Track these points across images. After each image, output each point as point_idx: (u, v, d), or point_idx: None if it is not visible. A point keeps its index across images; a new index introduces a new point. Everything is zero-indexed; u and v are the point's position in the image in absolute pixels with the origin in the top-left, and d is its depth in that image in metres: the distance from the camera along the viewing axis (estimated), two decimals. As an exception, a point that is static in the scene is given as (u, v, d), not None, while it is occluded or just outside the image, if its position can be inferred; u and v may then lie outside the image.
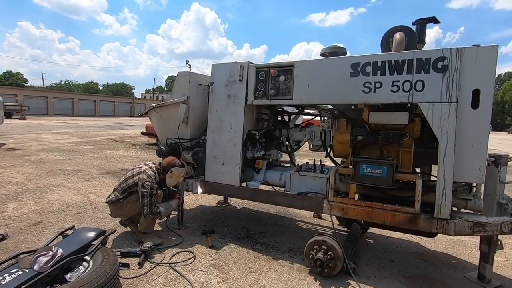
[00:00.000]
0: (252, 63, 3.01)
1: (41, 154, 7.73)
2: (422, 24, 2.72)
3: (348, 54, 2.84)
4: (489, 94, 2.12)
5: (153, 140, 10.96)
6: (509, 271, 2.79)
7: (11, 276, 1.83)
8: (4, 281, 1.79)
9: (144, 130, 11.07)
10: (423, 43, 2.72)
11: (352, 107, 2.76)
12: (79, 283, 1.85)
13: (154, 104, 3.56)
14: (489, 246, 2.45)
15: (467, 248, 3.24)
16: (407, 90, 2.33)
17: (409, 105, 2.51)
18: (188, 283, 2.32)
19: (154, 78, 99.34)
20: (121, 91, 77.27)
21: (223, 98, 3.12)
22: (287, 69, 2.82)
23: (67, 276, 2.05)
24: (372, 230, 3.49)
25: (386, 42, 2.73)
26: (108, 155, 8.27)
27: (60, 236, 2.50)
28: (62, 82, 72.34)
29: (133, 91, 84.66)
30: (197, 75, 3.36)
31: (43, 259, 1.96)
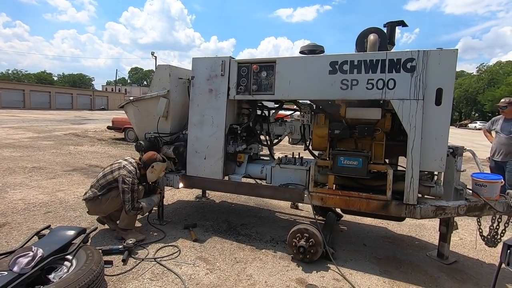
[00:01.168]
0: (233, 58, 3.04)
1: (-7, 150, 7.05)
2: (392, 26, 2.95)
3: (326, 53, 3.00)
4: (450, 92, 2.39)
5: (121, 135, 10.49)
6: (462, 249, 3.18)
7: (-11, 280, 1.73)
8: (-19, 285, 1.68)
9: (111, 125, 10.54)
10: (393, 44, 2.96)
11: (330, 102, 2.93)
12: (66, 282, 1.80)
13: (131, 98, 3.45)
14: (447, 227, 2.79)
15: (427, 231, 3.62)
16: (380, 88, 2.53)
17: (381, 102, 2.73)
18: (176, 276, 2.34)
19: (117, 70, 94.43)
20: (79, 82, 72.08)
21: (204, 92, 3.12)
22: (269, 65, 2.90)
23: (51, 276, 1.97)
24: (346, 218, 3.75)
25: (361, 42, 2.92)
26: (72, 150, 7.78)
27: (35, 236, 2.37)
28: (10, 71, 65.58)
29: (93, 82, 79.43)
30: (177, 68, 3.32)
31: (24, 260, 1.87)
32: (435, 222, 3.71)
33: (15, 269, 1.82)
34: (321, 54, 2.92)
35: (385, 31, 2.95)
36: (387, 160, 3.09)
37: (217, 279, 2.35)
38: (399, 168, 3.11)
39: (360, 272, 2.57)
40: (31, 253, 1.93)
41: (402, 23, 2.93)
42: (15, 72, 65.98)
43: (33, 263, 1.88)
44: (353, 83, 2.61)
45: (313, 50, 3.01)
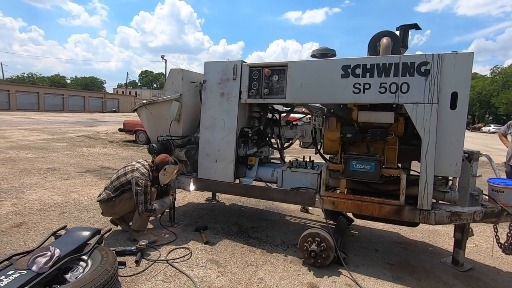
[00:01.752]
0: (245, 62, 3.07)
1: (10, 151, 7.27)
2: (405, 30, 2.92)
3: (337, 56, 3.00)
4: (465, 96, 2.35)
5: (131, 137, 10.66)
6: (477, 256, 3.10)
7: (9, 278, 1.79)
8: (2, 283, 1.74)
9: (122, 127, 10.72)
10: (406, 47, 2.93)
11: (342, 106, 2.92)
12: (82, 283, 1.84)
13: (144, 101, 3.51)
14: (462, 234, 2.73)
15: (441, 237, 3.54)
16: (393, 92, 2.51)
17: (394, 105, 2.70)
18: (188, 279, 2.36)
19: (127, 73, 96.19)
20: (91, 85, 73.60)
21: (216, 96, 3.15)
22: (280, 69, 2.91)
23: (67, 276, 2.02)
24: (357, 222, 3.71)
25: (374, 46, 2.91)
26: (84, 152, 7.94)
27: (52, 236, 2.43)
28: (25, 75, 67.44)
29: (104, 85, 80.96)
30: (189, 72, 3.36)
31: (42, 260, 1.92)
32: (449, 228, 3.64)
33: (34, 268, 1.87)
34: (333, 58, 2.92)
35: (398, 34, 2.93)
36: (399, 165, 3.06)
37: (229, 282, 2.36)
38: (412, 172, 3.07)
39: (372, 277, 2.54)
40: (49, 253, 1.98)
41: (415, 26, 2.90)
42: (30, 75, 67.85)
43: (50, 263, 1.93)
44: (366, 87, 2.59)
45: (325, 53, 3.01)
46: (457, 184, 2.68)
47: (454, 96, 2.37)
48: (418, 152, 2.51)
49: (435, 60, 2.38)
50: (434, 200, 2.61)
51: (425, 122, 2.42)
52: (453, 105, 2.38)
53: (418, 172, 2.54)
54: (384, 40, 2.74)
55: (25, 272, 1.85)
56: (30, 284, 1.76)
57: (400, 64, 2.47)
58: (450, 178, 2.69)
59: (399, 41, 2.84)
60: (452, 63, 2.35)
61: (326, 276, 2.51)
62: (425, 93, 2.41)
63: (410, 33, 2.98)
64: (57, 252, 2.03)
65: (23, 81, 59.87)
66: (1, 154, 6.87)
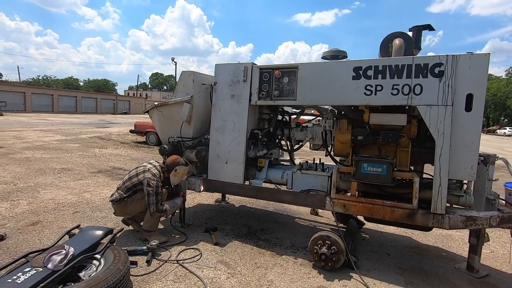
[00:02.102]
0: (255, 64, 3.08)
1: (26, 152, 7.47)
2: (418, 30, 2.88)
3: (348, 58, 2.97)
4: (481, 98, 2.30)
5: (142, 139, 10.81)
6: (493, 262, 3.01)
7: (26, 275, 1.83)
8: (19, 280, 1.78)
9: (133, 128, 10.90)
10: (419, 48, 2.89)
11: (353, 108, 2.90)
12: (96, 281, 1.87)
13: (156, 103, 3.56)
14: (477, 239, 2.65)
15: (455, 242, 3.46)
16: (406, 93, 2.47)
17: (407, 107, 2.66)
18: (198, 279, 2.37)
19: (138, 75, 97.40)
20: (103, 87, 74.97)
21: (226, 97, 3.17)
22: (291, 70, 2.91)
23: (81, 274, 2.06)
24: (367, 226, 3.66)
25: (385, 47, 2.88)
26: (97, 153, 8.10)
27: (66, 235, 2.49)
28: (40, 77, 69.36)
29: (116, 87, 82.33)
30: (200, 74, 3.39)
31: (57, 258, 1.96)
32: (464, 233, 3.56)
33: (49, 266, 1.92)
34: (344, 60, 2.90)
35: (411, 35, 2.89)
36: (412, 167, 3.00)
37: (238, 284, 2.36)
38: (425, 175, 3.01)
39: (384, 282, 2.50)
40: (64, 251, 2.03)
41: (429, 27, 2.86)
42: (44, 78, 69.71)
43: (65, 261, 1.97)
44: (378, 89, 2.56)
45: (336, 55, 2.99)
46: (472, 188, 2.61)
47: (469, 98, 2.32)
48: (432, 155, 2.46)
49: (450, 61, 2.33)
50: (448, 204, 2.56)
51: (439, 124, 2.37)
52: (468, 107, 2.33)
53: (432, 175, 2.49)
54: (397, 41, 2.70)
55: (41, 269, 1.90)
56: (46, 282, 1.80)
57: (413, 66, 2.44)
58: (465, 181, 2.62)
59: (412, 42, 2.80)
60: (467, 64, 2.30)
61: (337, 280, 2.48)
62: (439, 94, 2.37)
63: (422, 34, 2.95)
64: (72, 250, 2.07)
65: (38, 83, 61.60)
66: (17, 154, 7.07)
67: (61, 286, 1.92)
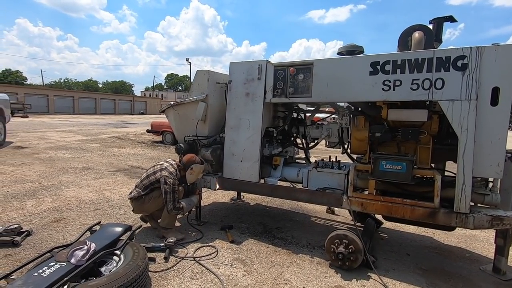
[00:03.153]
0: (270, 61, 3.06)
1: (49, 152, 7.79)
2: (439, 23, 2.77)
3: (365, 53, 2.90)
4: (508, 92, 2.18)
5: (158, 138, 11.02)
6: (522, 264, 2.86)
7: (51, 269, 1.90)
8: (44, 273, 1.86)
9: (150, 128, 11.13)
10: (440, 41, 2.78)
11: (370, 104, 2.82)
12: (116, 276, 1.92)
13: (172, 102, 3.62)
14: (504, 240, 2.53)
15: (479, 242, 3.32)
16: (427, 88, 2.38)
17: (427, 103, 2.57)
18: (214, 276, 2.39)
19: (154, 76, 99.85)
20: (121, 88, 77.07)
21: (241, 96, 3.17)
22: (306, 67, 2.87)
23: (102, 269, 2.12)
24: (386, 225, 3.57)
25: (404, 41, 2.79)
26: (115, 152, 8.33)
27: (88, 231, 2.57)
28: (62, 80, 72.22)
29: (133, 88, 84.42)
30: (215, 73, 3.41)
31: (79, 253, 2.03)
32: (489, 233, 3.41)
33: (72, 260, 1.99)
34: (361, 55, 2.83)
35: (431, 28, 2.78)
36: (432, 165, 2.90)
37: (255, 282, 2.36)
38: (446, 173, 2.90)
39: (404, 283, 2.43)
40: (86, 247, 2.10)
41: (450, 19, 2.74)
42: (66, 80, 72.57)
43: (87, 256, 2.04)
44: (396, 84, 2.49)
45: (352, 50, 2.92)
46: (498, 186, 2.49)
47: (495, 91, 2.21)
48: (454, 152, 2.37)
49: (473, 53, 2.23)
50: (472, 203, 2.45)
51: (462, 120, 2.28)
52: (494, 101, 2.21)
53: (454, 173, 2.39)
54: (416, 35, 2.61)
55: (65, 264, 1.97)
56: (69, 276, 1.86)
57: (434, 59, 2.34)
58: (491, 179, 2.50)
59: (433, 35, 2.70)
60: (493, 57, 2.19)
61: (355, 280, 2.44)
62: (462, 89, 2.27)
63: (443, 26, 2.83)
64: (93, 246, 2.14)
65: (60, 86, 64.18)
66: (41, 154, 7.38)
67: (83, 280, 1.98)
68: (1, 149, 7.73)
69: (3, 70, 59.24)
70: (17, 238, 2.76)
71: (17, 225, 2.93)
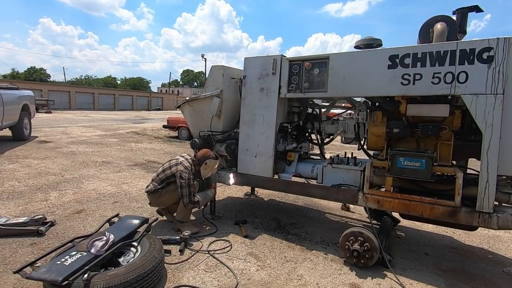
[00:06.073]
0: (285, 56, 3.03)
1: (71, 146, 8.09)
2: (463, 13, 2.64)
3: (384, 46, 2.81)
4: (538, 85, 2.06)
5: (174, 134, 11.21)
6: (550, 267, 2.72)
7: (72, 258, 1.98)
8: (66, 262, 1.94)
9: (166, 124, 11.33)
10: (465, 33, 2.65)
11: (388, 99, 2.74)
12: (133, 266, 1.98)
13: (187, 98, 3.66)
14: (531, 241, 2.41)
15: (503, 243, 3.18)
16: (449, 82, 2.29)
17: (449, 97, 2.47)
18: (228, 270, 2.42)
19: (170, 72, 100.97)
20: (138, 85, 78.77)
21: (256, 91, 3.16)
22: (321, 61, 2.82)
23: (120, 260, 2.19)
24: (403, 223, 3.48)
25: (425, 33, 2.68)
26: (133, 147, 8.55)
27: (107, 223, 2.66)
28: (83, 77, 74.72)
29: (150, 85, 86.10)
30: (230, 68, 3.42)
31: (99, 243, 2.11)
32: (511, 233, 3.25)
33: (92, 250, 2.06)
34: (379, 48, 2.75)
35: (455, 19, 2.66)
36: (454, 162, 2.79)
37: (268, 277, 2.37)
38: (468, 171, 2.78)
39: (421, 283, 2.36)
40: (105, 238, 2.17)
41: (476, 9, 2.60)
42: (86, 77, 75.02)
43: (106, 247, 2.11)
44: (416, 78, 2.40)
45: (370, 44, 2.84)
46: (525, 185, 2.37)
47: (524, 85, 2.08)
48: (477, 149, 2.27)
49: (501, 45, 2.11)
50: (496, 203, 2.35)
51: (487, 115, 2.17)
52: (522, 96, 2.09)
53: (477, 171, 2.29)
54: (438, 26, 2.50)
55: (85, 253, 2.05)
56: (90, 265, 1.94)
57: (457, 51, 2.24)
58: (517, 178, 2.38)
59: (456, 26, 2.58)
60: (522, 48, 2.07)
61: (370, 278, 2.40)
62: (488, 82, 2.16)
63: (468, 16, 2.70)
64: (112, 237, 2.21)
65: (81, 83, 66.40)
66: (64, 148, 7.68)
67: (102, 269, 2.05)
68: (27, 143, 8.10)
69: (28, 68, 62.03)
70: (42, 228, 2.90)
71: (41, 216, 3.08)
